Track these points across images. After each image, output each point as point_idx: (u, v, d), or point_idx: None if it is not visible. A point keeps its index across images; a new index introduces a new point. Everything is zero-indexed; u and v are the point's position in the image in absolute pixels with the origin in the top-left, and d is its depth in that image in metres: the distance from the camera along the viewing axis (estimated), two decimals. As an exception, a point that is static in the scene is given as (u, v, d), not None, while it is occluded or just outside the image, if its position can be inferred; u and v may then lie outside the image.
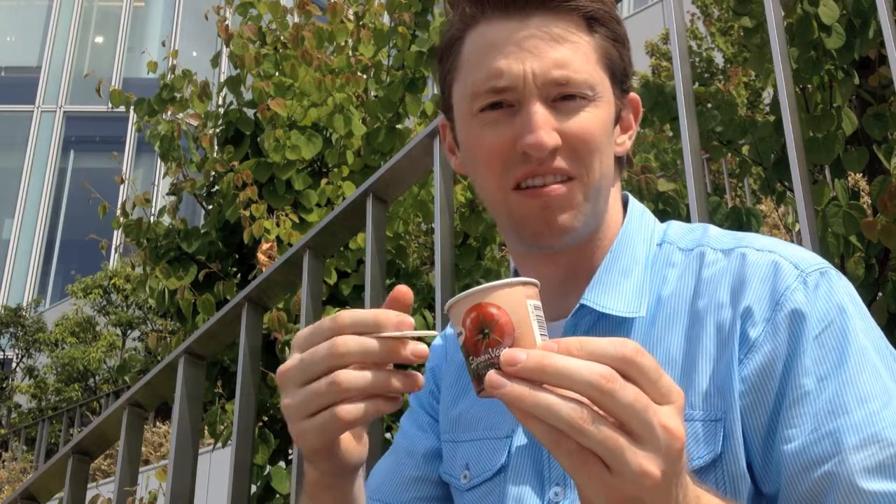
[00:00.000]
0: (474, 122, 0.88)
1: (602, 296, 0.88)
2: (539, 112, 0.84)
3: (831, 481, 0.74)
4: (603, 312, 0.88)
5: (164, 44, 11.75)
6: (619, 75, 0.90)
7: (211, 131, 4.59)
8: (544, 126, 0.84)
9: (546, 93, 0.85)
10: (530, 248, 0.92)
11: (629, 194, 0.98)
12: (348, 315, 0.70)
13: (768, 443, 0.79)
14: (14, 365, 17.06)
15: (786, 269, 0.83)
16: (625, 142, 0.94)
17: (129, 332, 15.88)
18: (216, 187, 4.46)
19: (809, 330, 0.79)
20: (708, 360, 0.82)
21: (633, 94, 0.95)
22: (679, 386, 0.81)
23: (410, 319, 0.70)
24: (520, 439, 0.91)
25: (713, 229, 0.92)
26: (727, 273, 0.85)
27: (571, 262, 0.91)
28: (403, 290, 0.72)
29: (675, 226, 0.95)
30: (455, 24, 0.91)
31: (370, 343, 0.70)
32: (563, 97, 0.85)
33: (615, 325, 0.88)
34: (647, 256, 0.91)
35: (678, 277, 0.89)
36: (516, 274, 0.97)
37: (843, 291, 0.83)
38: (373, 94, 4.38)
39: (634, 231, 0.93)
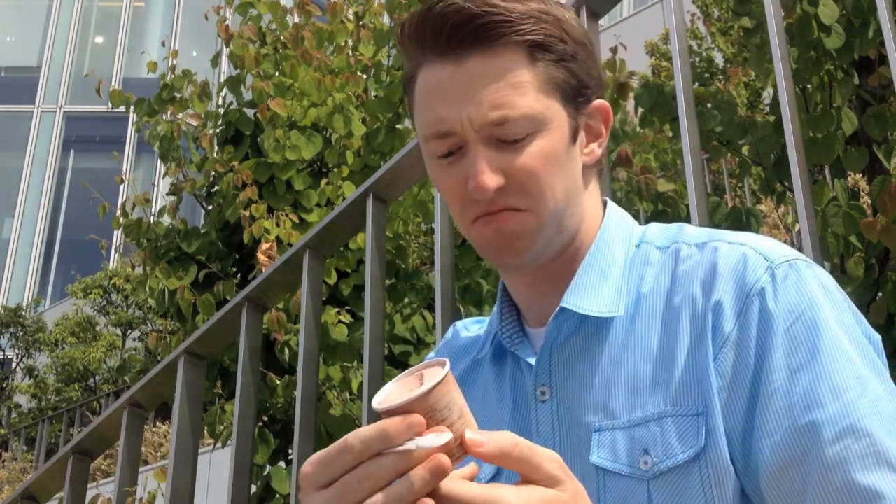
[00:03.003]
0: (432, 163, 0.91)
1: (581, 298, 0.89)
2: (479, 156, 0.86)
3: (809, 475, 0.74)
4: (584, 314, 0.89)
5: (164, 44, 11.75)
6: (572, 92, 0.90)
7: (211, 131, 4.59)
8: (484, 170, 0.85)
9: (487, 134, 0.86)
10: (499, 269, 0.95)
11: (608, 199, 0.99)
12: (357, 439, 0.66)
13: (746, 438, 0.79)
14: (14, 365, 17.05)
15: (755, 260, 0.84)
16: (594, 150, 0.94)
17: (129, 332, 15.87)
18: (216, 187, 4.46)
19: (779, 323, 0.80)
20: (685, 355, 0.83)
21: (598, 102, 0.94)
22: (657, 381, 0.83)
23: (419, 418, 0.66)
24: None
25: (689, 227, 0.94)
26: (700, 266, 0.86)
27: (550, 273, 0.93)
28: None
29: (653, 227, 0.97)
30: (407, 62, 0.93)
31: (389, 464, 0.66)
32: (505, 138, 0.86)
33: (597, 326, 0.90)
34: (625, 258, 0.93)
35: (655, 275, 0.90)
36: (505, 288, 0.99)
37: (814, 282, 0.83)
38: (373, 94, 4.38)
39: (612, 234, 0.94)
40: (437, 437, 0.65)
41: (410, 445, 0.65)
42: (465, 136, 0.86)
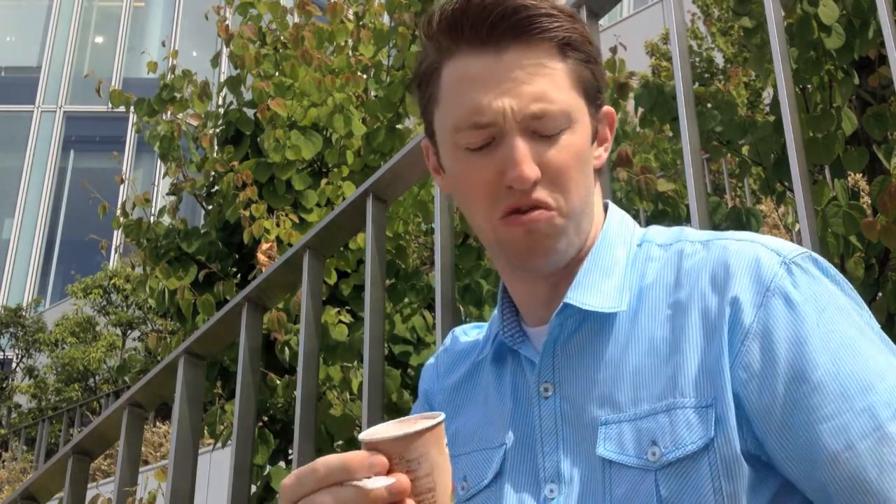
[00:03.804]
0: (459, 155, 0.91)
1: (584, 294, 0.91)
2: (520, 146, 0.87)
3: (877, 454, 0.78)
4: (587, 310, 0.90)
5: (164, 44, 11.74)
6: (593, 94, 0.92)
7: (211, 131, 4.59)
8: (526, 160, 0.86)
9: (525, 125, 0.87)
10: (518, 271, 0.95)
11: (610, 202, 1.01)
12: (323, 464, 0.71)
13: (787, 426, 0.81)
14: (14, 365, 17.05)
15: (768, 256, 0.86)
16: (601, 155, 0.97)
17: (129, 332, 15.86)
18: (216, 187, 4.46)
19: (809, 313, 0.82)
20: (696, 349, 0.85)
21: (606, 108, 0.97)
22: (664, 374, 0.85)
23: (382, 459, 0.71)
24: (514, 445, 0.93)
25: (690, 229, 0.96)
26: (708, 262, 0.88)
27: (557, 276, 0.94)
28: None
29: (653, 228, 0.99)
30: (431, 53, 0.93)
31: (343, 496, 0.70)
32: (542, 131, 0.88)
33: (600, 322, 0.91)
34: (627, 256, 0.94)
35: (658, 270, 0.92)
36: (505, 290, 1.00)
37: (827, 274, 0.86)
38: (373, 94, 4.38)
39: (614, 234, 0.96)
40: (380, 480, 0.69)
41: (360, 483, 0.69)
42: (505, 127, 0.87)
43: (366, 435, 0.71)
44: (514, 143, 0.87)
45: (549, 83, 0.88)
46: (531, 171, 0.86)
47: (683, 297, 0.87)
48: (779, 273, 0.84)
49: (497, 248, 0.93)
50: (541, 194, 0.88)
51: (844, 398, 0.79)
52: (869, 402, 0.79)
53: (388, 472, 0.70)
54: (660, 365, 0.86)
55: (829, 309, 0.83)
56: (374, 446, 0.70)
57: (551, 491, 0.88)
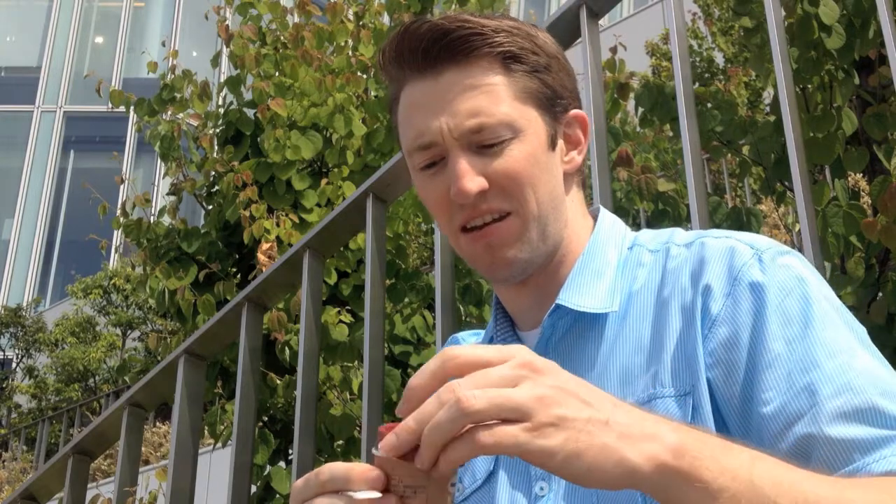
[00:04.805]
0: (417, 176, 0.96)
1: (576, 295, 0.93)
2: (460, 162, 0.90)
3: (811, 433, 0.77)
4: (579, 311, 0.92)
5: (164, 44, 11.75)
6: (548, 100, 0.94)
7: (211, 131, 4.59)
8: (465, 175, 0.89)
9: (466, 141, 0.90)
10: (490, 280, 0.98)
11: (602, 207, 1.02)
12: (329, 469, 0.73)
13: (745, 412, 0.82)
14: (14, 365, 17.06)
15: (741, 249, 0.87)
16: (573, 158, 0.98)
17: (129, 332, 15.87)
18: (216, 187, 4.46)
19: (770, 299, 0.83)
20: (675, 340, 0.86)
21: (576, 111, 0.98)
22: (647, 369, 0.87)
23: (380, 475, 0.72)
24: None
25: (679, 231, 0.97)
26: (688, 261, 0.90)
27: (540, 281, 0.96)
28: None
29: (644, 232, 1.00)
30: (390, 85, 0.98)
31: None
32: (484, 143, 0.91)
33: (590, 322, 0.93)
34: (618, 259, 0.96)
35: (647, 274, 0.94)
36: (498, 302, 1.02)
37: (800, 265, 0.87)
38: (373, 94, 4.38)
39: (605, 237, 0.98)
40: (368, 494, 0.70)
41: (351, 493, 0.71)
42: (446, 146, 0.91)
43: (377, 450, 0.73)
44: (454, 160, 0.90)
45: (485, 97, 0.90)
46: (472, 184, 0.89)
47: (666, 294, 0.89)
48: (748, 262, 0.85)
49: (466, 259, 0.97)
50: (492, 203, 0.91)
51: (787, 379, 0.79)
52: (810, 380, 0.78)
53: (384, 492, 0.71)
54: (645, 363, 0.88)
55: (793, 294, 0.83)
56: (380, 462, 0.71)
57: (541, 488, 0.89)
